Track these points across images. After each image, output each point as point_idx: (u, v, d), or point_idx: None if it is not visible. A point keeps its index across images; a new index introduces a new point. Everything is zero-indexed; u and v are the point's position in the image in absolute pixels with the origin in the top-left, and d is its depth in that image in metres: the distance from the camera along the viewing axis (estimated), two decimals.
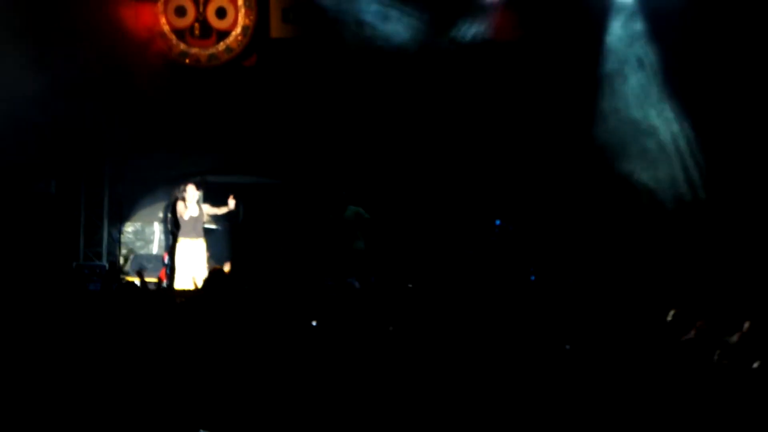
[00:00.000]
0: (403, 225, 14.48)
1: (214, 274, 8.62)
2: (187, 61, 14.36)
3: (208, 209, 12.31)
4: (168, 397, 5.90)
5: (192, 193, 12.12)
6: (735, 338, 7.05)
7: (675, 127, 13.45)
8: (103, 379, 6.08)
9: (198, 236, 12.14)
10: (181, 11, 14.30)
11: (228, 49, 14.41)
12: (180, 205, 12.05)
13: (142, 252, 14.94)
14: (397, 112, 14.33)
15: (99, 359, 6.39)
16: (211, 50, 14.42)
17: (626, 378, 5.95)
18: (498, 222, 14.01)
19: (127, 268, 14.40)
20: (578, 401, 5.68)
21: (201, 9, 14.35)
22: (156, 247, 14.97)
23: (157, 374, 6.26)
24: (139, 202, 14.98)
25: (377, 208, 14.39)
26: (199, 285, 9.62)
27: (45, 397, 5.80)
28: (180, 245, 12.04)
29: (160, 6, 14.20)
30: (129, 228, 15.09)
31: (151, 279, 11.30)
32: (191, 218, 12.02)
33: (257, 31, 14.39)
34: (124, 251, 14.53)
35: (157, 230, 14.99)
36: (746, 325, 7.10)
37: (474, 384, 5.94)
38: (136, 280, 10.69)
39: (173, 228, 12.22)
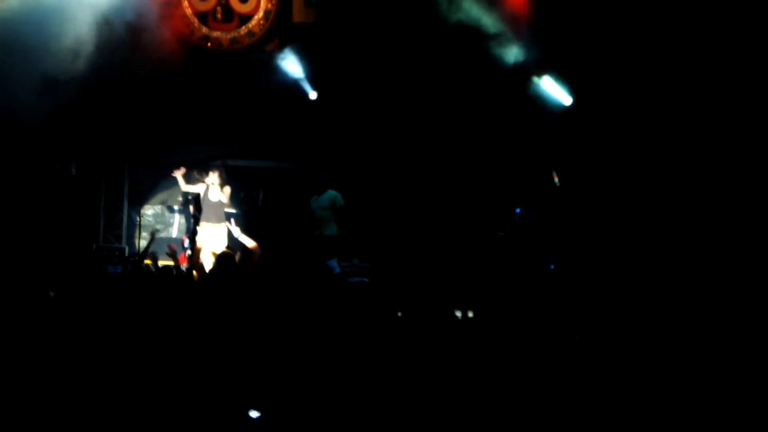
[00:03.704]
0: (424, 212, 14.46)
1: (222, 259, 8.64)
2: (208, 45, 14.36)
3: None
4: (176, 380, 5.92)
5: (210, 177, 12.14)
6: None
7: None
8: (121, 360, 6.11)
9: (219, 221, 12.15)
10: None
11: (250, 33, 14.39)
12: (199, 186, 12.09)
13: (162, 235, 15.00)
14: (418, 98, 14.30)
15: (117, 341, 6.41)
16: (233, 34, 14.40)
17: (631, 372, 5.92)
18: (518, 210, 13.95)
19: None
20: (584, 394, 5.66)
21: None
22: (176, 230, 15.01)
23: (171, 355, 6.28)
24: (159, 186, 15.02)
25: (397, 194, 14.42)
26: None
27: (63, 376, 5.83)
28: (201, 229, 12.07)
29: None
30: (148, 211, 15.13)
31: (168, 262, 11.31)
32: (213, 203, 12.04)
33: (279, 15, 14.36)
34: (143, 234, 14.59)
35: (177, 213, 15.03)
36: None
37: (482, 373, 5.93)
38: (166, 263, 10.74)
39: (195, 212, 12.24)
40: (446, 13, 13.27)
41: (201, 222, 12.07)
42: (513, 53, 13.57)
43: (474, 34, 13.63)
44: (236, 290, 7.66)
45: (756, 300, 8.90)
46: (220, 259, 8.67)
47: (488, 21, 13.48)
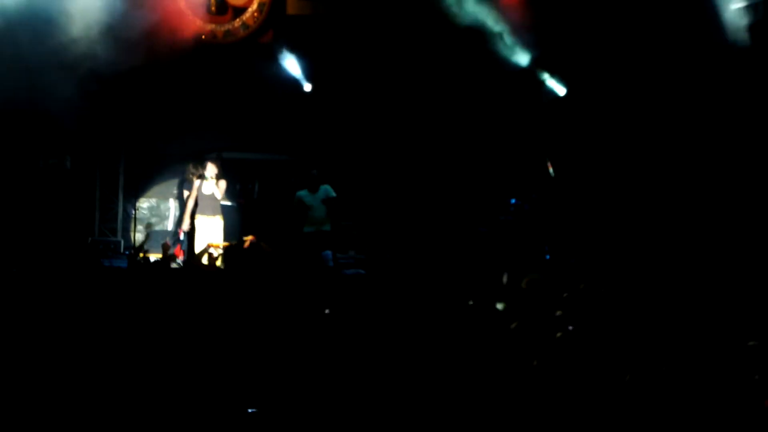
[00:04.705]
0: (420, 203, 14.48)
1: (231, 250, 8.63)
2: (203, 37, 14.31)
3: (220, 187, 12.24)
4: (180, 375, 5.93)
5: (208, 170, 12.14)
6: None
7: None
8: (120, 353, 6.11)
9: (215, 213, 12.15)
10: None
11: (244, 25, 14.35)
12: (197, 183, 12.09)
13: (158, 228, 14.99)
14: (413, 89, 14.31)
15: (116, 334, 6.41)
16: (227, 27, 14.35)
17: (627, 362, 5.93)
18: (513, 200, 13.98)
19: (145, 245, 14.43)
20: (580, 387, 5.67)
21: None
22: (171, 223, 15.01)
23: (174, 349, 6.28)
24: (154, 178, 15.00)
25: (393, 185, 14.43)
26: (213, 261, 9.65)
27: (60, 370, 5.83)
28: (197, 222, 12.07)
29: None
30: (144, 204, 15.12)
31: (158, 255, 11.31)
32: (207, 195, 12.04)
33: (273, 7, 14.31)
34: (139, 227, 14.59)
35: (172, 206, 15.02)
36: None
37: (477, 366, 5.94)
38: (156, 256, 10.74)
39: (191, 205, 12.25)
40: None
41: (196, 215, 12.08)
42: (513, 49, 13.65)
43: (471, 28, 13.68)
44: (249, 282, 7.64)
45: (749, 286, 8.94)
46: (228, 251, 8.65)
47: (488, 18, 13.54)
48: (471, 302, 7.27)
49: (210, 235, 11.94)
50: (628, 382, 5.67)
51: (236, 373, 6.02)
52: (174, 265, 10.86)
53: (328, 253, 12.04)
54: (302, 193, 12.25)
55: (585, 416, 5.48)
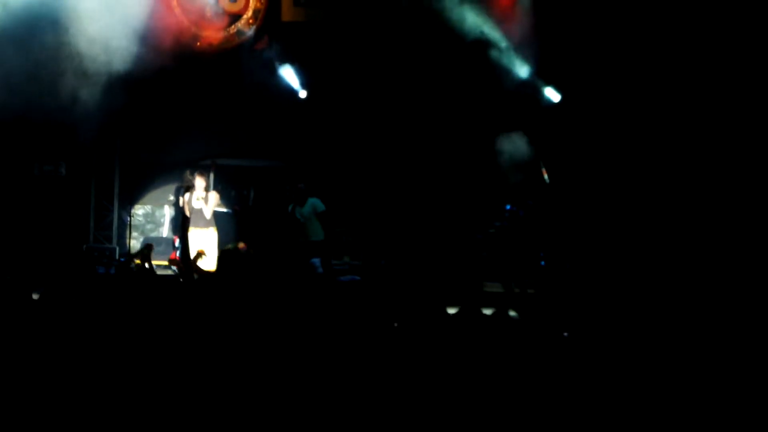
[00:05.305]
0: (415, 209, 14.49)
1: (227, 255, 8.58)
2: (198, 44, 14.32)
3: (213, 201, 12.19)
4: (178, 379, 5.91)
5: (199, 182, 12.07)
6: None
7: None
8: (113, 363, 6.09)
9: (207, 225, 12.09)
10: None
11: (239, 32, 14.36)
12: (186, 196, 12.04)
13: (153, 235, 14.99)
14: (407, 96, 14.32)
15: (109, 342, 6.40)
16: (223, 33, 14.36)
17: (624, 370, 5.92)
18: (508, 207, 13.98)
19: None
20: (576, 392, 5.66)
21: None
22: (166, 230, 15.01)
23: (167, 358, 6.26)
24: (150, 185, 15.00)
25: (387, 192, 14.43)
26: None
27: (53, 378, 5.82)
28: (190, 235, 12.02)
29: None
30: (139, 211, 15.12)
31: (159, 262, 11.30)
32: (195, 209, 11.97)
33: (268, 14, 14.33)
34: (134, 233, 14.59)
35: (168, 213, 15.02)
36: None
37: (474, 374, 5.93)
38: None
39: (183, 217, 12.21)
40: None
41: (189, 227, 12.00)
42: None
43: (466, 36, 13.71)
44: (244, 288, 7.60)
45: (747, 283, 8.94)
46: (223, 255, 8.60)
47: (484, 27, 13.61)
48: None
49: (204, 247, 11.91)
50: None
51: (227, 379, 6.01)
52: (170, 272, 10.87)
53: (316, 260, 12.10)
54: (291, 207, 12.53)
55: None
